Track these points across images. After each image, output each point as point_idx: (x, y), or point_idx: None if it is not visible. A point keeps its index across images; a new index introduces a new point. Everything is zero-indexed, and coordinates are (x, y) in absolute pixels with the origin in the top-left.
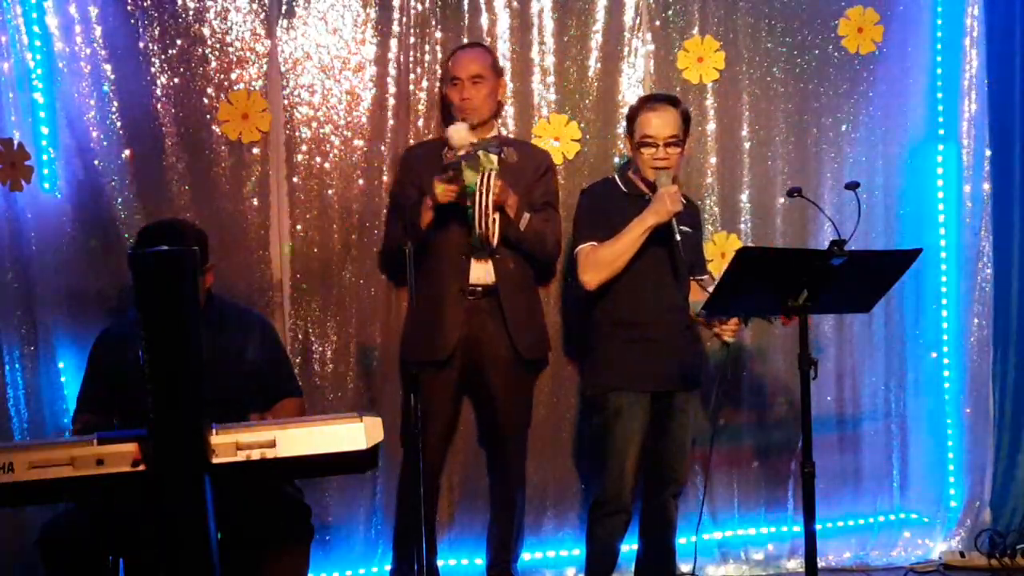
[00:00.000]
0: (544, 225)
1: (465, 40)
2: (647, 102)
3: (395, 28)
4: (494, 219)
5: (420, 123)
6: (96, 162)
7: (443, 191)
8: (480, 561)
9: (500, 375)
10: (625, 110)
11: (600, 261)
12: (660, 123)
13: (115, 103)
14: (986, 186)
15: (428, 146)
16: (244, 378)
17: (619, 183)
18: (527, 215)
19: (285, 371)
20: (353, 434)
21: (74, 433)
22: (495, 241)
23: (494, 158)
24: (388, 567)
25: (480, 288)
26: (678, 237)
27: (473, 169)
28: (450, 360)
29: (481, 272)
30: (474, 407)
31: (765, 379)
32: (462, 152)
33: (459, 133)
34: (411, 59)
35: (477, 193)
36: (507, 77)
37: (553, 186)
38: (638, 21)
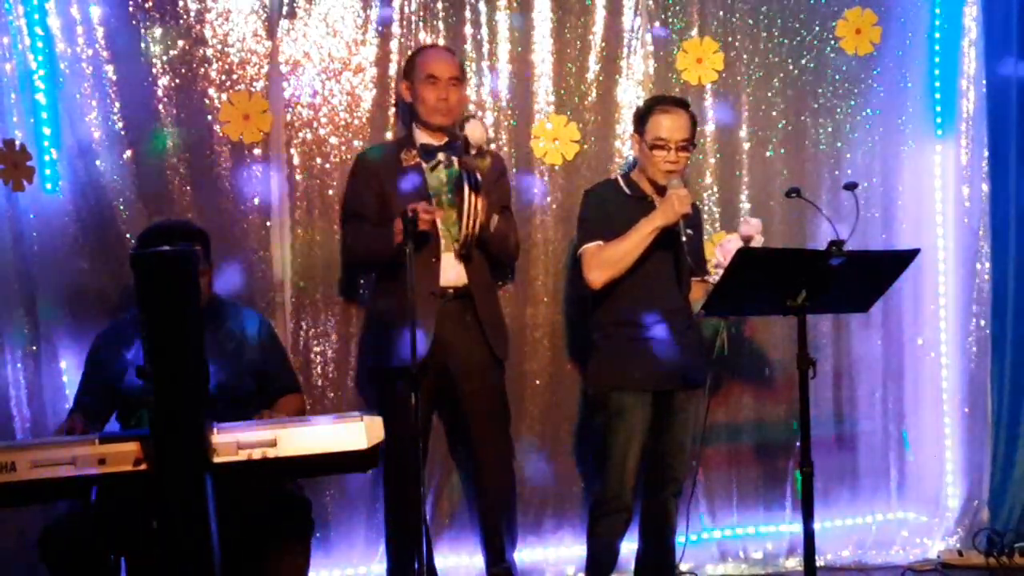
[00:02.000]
0: (507, 227)
1: (468, 40)
2: (659, 103)
3: (395, 29)
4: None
5: None
6: (98, 163)
7: (426, 219)
8: (479, 559)
9: (477, 378)
10: (624, 111)
11: (606, 260)
12: (673, 126)
13: (117, 104)
14: (984, 186)
15: (382, 149)
16: (243, 376)
17: (622, 185)
18: (495, 216)
19: (285, 368)
20: (354, 434)
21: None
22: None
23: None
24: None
25: (451, 291)
26: (683, 239)
27: (471, 168)
28: (424, 366)
29: (452, 274)
30: (447, 411)
31: (764, 379)
32: (474, 151)
33: (478, 130)
34: None
35: (467, 193)
36: (506, 78)
37: (507, 189)
38: (637, 22)
